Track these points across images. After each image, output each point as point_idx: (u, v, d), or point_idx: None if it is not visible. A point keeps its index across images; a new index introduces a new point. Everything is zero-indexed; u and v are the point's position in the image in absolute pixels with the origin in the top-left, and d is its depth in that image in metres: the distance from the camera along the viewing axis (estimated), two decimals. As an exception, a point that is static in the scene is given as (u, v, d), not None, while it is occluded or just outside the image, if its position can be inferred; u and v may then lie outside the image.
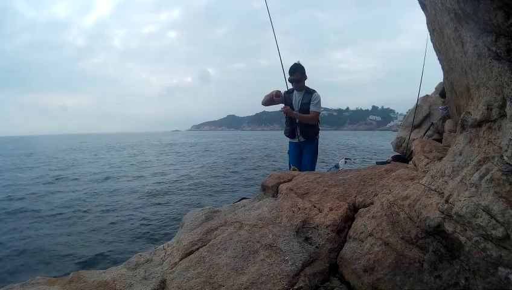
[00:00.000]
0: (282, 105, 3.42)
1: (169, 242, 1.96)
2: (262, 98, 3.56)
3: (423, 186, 1.32)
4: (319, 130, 3.57)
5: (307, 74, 3.39)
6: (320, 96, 3.38)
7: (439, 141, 3.53)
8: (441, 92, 5.22)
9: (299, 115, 3.36)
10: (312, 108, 3.33)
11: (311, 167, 3.40)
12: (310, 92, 3.38)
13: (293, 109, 3.38)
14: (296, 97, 3.42)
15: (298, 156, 3.56)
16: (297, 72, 3.33)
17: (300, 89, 3.40)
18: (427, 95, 6.34)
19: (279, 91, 3.42)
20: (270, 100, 3.48)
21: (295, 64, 3.35)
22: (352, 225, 1.64)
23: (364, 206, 1.73)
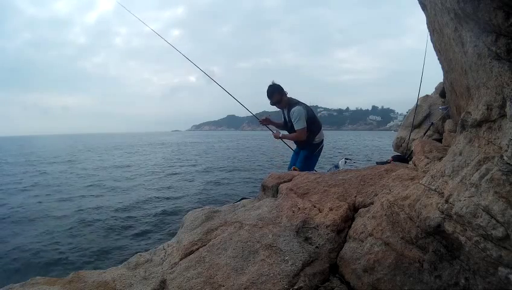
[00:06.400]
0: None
1: (169, 242, 1.96)
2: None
3: (423, 186, 1.32)
4: (316, 141, 3.52)
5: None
6: (306, 105, 3.36)
7: (439, 141, 3.53)
8: (441, 92, 5.22)
9: (287, 136, 3.47)
10: (295, 126, 3.31)
11: (301, 167, 3.36)
12: (291, 107, 3.34)
13: (288, 126, 3.44)
14: (285, 115, 3.46)
15: (295, 156, 3.70)
16: (275, 95, 3.31)
17: (284, 107, 3.40)
18: (427, 95, 6.34)
19: (267, 119, 3.56)
20: (276, 124, 3.60)
21: (269, 87, 3.34)
22: (352, 225, 1.64)
23: (364, 206, 1.73)
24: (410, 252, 1.20)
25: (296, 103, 3.35)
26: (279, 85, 3.35)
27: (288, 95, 3.43)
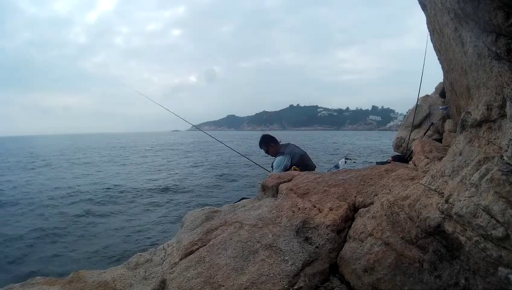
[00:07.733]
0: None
1: (169, 242, 1.96)
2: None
3: (423, 186, 1.32)
4: None
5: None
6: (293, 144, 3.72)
7: (439, 141, 3.53)
8: (441, 92, 5.21)
9: None
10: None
11: None
12: (277, 156, 3.66)
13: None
14: None
15: None
16: (262, 146, 3.81)
17: (273, 156, 3.76)
18: (427, 95, 6.33)
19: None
20: None
21: (259, 140, 3.82)
22: (352, 225, 1.64)
23: (364, 206, 1.73)
24: (410, 252, 1.20)
25: (282, 152, 3.62)
26: (268, 137, 3.80)
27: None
